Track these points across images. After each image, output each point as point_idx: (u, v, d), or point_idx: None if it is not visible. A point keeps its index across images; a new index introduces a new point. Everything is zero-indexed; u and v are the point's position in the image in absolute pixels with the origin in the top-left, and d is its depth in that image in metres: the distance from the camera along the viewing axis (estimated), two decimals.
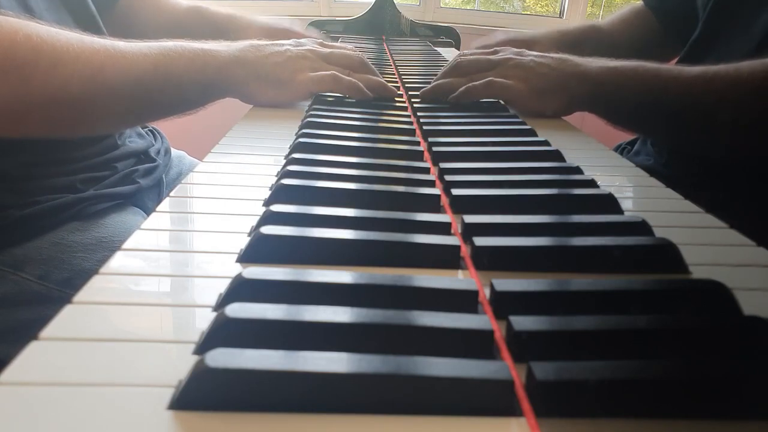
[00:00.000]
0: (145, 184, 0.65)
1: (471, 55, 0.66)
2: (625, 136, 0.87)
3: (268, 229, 0.30)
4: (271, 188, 0.38)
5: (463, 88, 0.62)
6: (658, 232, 0.33)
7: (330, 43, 0.67)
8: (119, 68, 0.50)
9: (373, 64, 0.71)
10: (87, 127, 0.54)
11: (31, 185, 0.55)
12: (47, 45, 0.45)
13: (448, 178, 0.40)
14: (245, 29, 0.82)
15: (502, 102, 0.64)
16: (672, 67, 0.59)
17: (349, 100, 0.62)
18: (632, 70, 0.59)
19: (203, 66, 0.55)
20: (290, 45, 0.61)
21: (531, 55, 0.63)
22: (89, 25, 0.63)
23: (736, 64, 0.55)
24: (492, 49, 0.67)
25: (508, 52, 0.64)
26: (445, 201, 0.38)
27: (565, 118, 0.64)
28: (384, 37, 1.31)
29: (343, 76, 0.60)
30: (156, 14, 0.80)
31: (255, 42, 0.60)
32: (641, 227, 0.33)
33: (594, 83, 0.59)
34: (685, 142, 0.66)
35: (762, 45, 0.61)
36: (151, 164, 0.68)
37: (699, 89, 0.56)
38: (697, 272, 0.30)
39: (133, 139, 0.69)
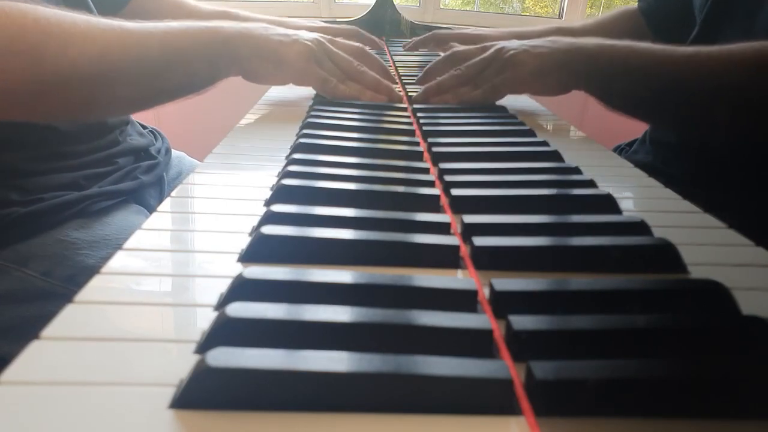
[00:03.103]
0: (147, 181, 0.65)
1: (465, 55, 0.66)
2: (625, 137, 0.87)
3: (268, 229, 0.30)
4: (271, 188, 0.38)
5: (464, 99, 0.63)
6: (657, 232, 0.33)
7: (338, 41, 0.66)
8: (126, 46, 0.51)
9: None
10: (98, 108, 0.54)
11: (34, 181, 0.55)
12: (56, 27, 0.46)
13: (447, 178, 0.40)
14: None
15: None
16: (665, 46, 0.59)
17: (349, 101, 0.63)
18: (627, 47, 0.60)
19: (209, 41, 0.56)
20: (299, 32, 0.62)
21: (521, 41, 0.64)
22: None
23: (729, 45, 0.55)
24: (482, 45, 0.67)
25: (498, 44, 0.65)
26: (444, 201, 0.38)
27: (565, 118, 0.65)
28: (384, 38, 1.31)
29: (341, 86, 0.61)
30: (175, 14, 0.80)
31: (265, 24, 0.61)
32: (640, 227, 0.33)
33: (589, 57, 0.60)
34: (676, 123, 0.66)
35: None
36: (152, 161, 0.68)
37: (691, 68, 0.57)
38: (696, 272, 0.30)
39: (133, 137, 0.70)
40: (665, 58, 0.58)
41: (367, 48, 0.68)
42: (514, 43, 0.63)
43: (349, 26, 0.85)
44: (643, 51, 0.59)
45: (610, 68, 0.60)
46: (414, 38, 0.97)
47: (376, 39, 0.78)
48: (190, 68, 0.55)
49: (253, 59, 0.58)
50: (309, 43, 0.60)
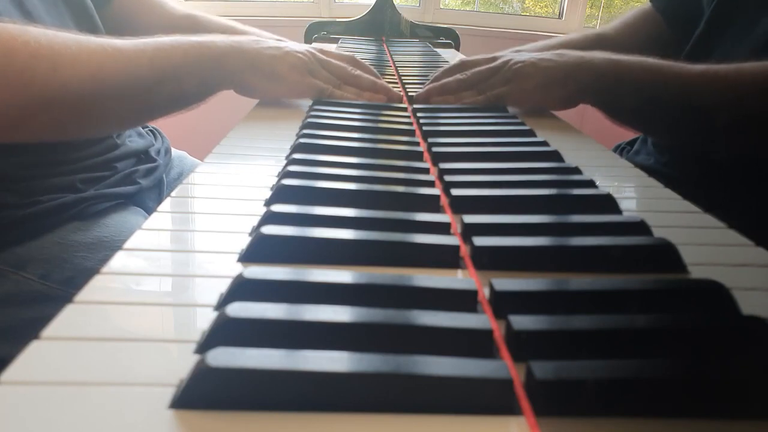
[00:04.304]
0: (145, 185, 0.65)
1: (473, 63, 0.67)
2: (625, 136, 0.87)
3: (268, 229, 0.30)
4: (272, 188, 0.38)
5: (466, 102, 0.64)
6: (657, 232, 0.33)
7: (328, 50, 0.67)
8: (117, 66, 0.50)
9: (373, 65, 0.71)
10: (90, 128, 0.54)
11: (31, 185, 0.55)
12: (45, 49, 0.46)
13: (447, 178, 0.40)
14: None
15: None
16: (674, 63, 0.59)
17: (349, 101, 0.63)
18: (635, 64, 0.59)
19: (199, 57, 0.55)
20: (290, 43, 0.62)
21: (530, 53, 0.64)
22: (87, 24, 0.63)
23: (739, 64, 0.55)
24: (491, 56, 0.67)
25: (507, 56, 0.65)
26: (444, 201, 0.38)
27: (564, 118, 0.65)
28: (384, 38, 1.31)
29: (338, 92, 0.62)
30: (150, 17, 0.80)
31: (255, 37, 0.61)
32: (640, 227, 0.33)
33: (597, 73, 0.60)
34: (683, 139, 0.66)
35: (767, 45, 0.61)
36: (151, 164, 0.68)
37: (700, 87, 0.56)
38: (696, 272, 0.30)
39: (132, 139, 0.69)
40: (675, 75, 0.58)
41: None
42: (523, 56, 0.63)
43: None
44: (652, 67, 0.59)
45: (618, 83, 0.59)
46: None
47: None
48: (182, 85, 0.55)
49: (246, 73, 0.58)
50: (301, 55, 0.60)
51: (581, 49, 0.85)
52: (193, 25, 0.82)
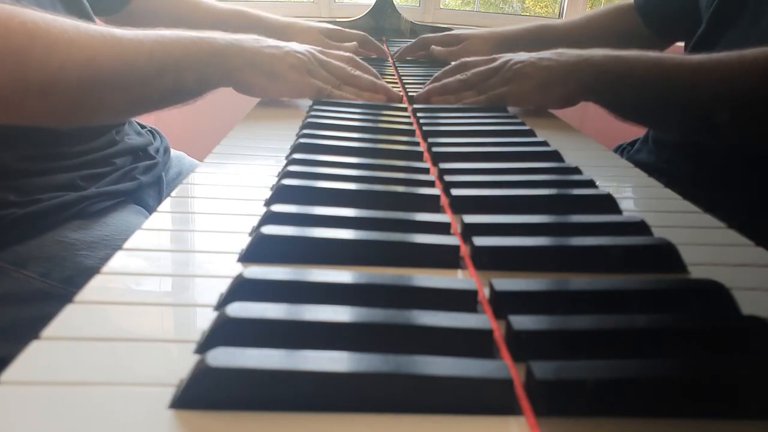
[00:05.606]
0: (145, 181, 0.65)
1: (473, 64, 0.67)
2: (625, 137, 0.87)
3: (268, 229, 0.30)
4: (272, 188, 0.38)
5: (466, 102, 0.64)
6: (657, 232, 0.33)
7: (329, 51, 0.67)
8: (115, 54, 0.50)
9: (372, 65, 0.71)
10: (84, 115, 0.53)
11: (31, 182, 0.55)
12: (42, 31, 0.45)
13: (447, 178, 0.40)
14: (302, 33, 0.85)
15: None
16: (675, 55, 0.59)
17: (349, 101, 0.63)
18: (635, 58, 0.59)
19: (198, 52, 0.55)
20: (290, 44, 0.62)
21: (529, 54, 0.64)
22: (81, 17, 0.63)
23: (740, 51, 0.55)
24: (491, 57, 0.68)
25: (506, 56, 0.65)
26: (444, 201, 0.38)
27: (564, 118, 0.65)
28: (384, 39, 1.31)
29: (337, 92, 0.62)
30: (181, 13, 0.80)
31: (256, 36, 0.61)
32: (640, 227, 0.33)
33: (598, 70, 0.60)
34: (687, 132, 0.66)
35: None
36: (150, 161, 0.68)
37: (702, 77, 0.56)
38: (696, 272, 0.30)
39: (131, 137, 0.69)
40: (674, 67, 0.58)
41: (357, 57, 0.69)
42: (522, 56, 0.63)
43: (357, 32, 0.92)
44: (651, 60, 0.59)
45: (618, 79, 0.59)
46: (401, 47, 1.00)
47: (382, 47, 0.81)
48: (179, 78, 0.54)
49: (246, 72, 0.58)
50: (301, 55, 0.60)
51: (517, 39, 0.86)
52: (244, 20, 0.84)
